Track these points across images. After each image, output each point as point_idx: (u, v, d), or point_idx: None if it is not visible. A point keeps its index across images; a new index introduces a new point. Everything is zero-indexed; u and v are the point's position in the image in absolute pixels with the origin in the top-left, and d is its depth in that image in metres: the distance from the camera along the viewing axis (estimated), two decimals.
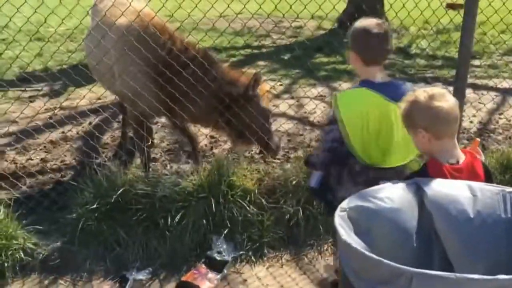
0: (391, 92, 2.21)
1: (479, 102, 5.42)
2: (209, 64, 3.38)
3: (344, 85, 6.27)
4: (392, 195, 1.78)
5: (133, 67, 3.31)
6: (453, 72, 5.39)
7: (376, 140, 2.25)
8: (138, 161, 4.00)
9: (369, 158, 2.28)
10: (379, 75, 2.27)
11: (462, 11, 3.52)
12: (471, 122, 5.21)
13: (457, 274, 1.28)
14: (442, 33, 8.49)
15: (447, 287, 1.30)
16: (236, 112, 3.36)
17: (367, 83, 2.25)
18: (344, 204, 1.71)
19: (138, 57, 3.25)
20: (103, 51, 3.37)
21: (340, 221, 1.62)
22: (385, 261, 1.37)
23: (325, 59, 7.66)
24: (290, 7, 3.77)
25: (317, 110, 5.40)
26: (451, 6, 9.11)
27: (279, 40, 8.75)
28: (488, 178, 2.01)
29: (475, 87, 6.14)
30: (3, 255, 2.91)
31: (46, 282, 2.92)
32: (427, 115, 1.92)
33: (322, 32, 9.56)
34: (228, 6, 3.41)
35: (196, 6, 3.14)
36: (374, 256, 1.40)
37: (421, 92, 1.95)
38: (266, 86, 3.66)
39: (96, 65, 3.51)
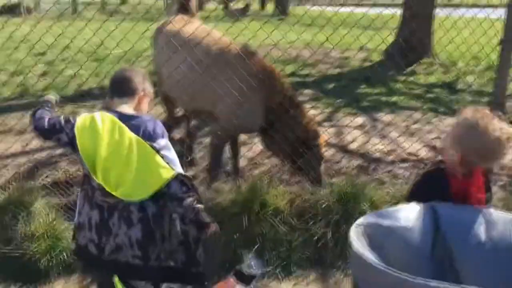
0: (133, 125, 2.17)
1: None
2: (295, 105, 3.89)
3: (386, 117, 6.34)
4: (408, 215, 1.87)
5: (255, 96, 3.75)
6: None
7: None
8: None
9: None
10: (126, 109, 2.26)
11: None
12: None
13: (455, 285, 1.37)
14: (491, 69, 8.42)
15: None
16: (301, 152, 3.81)
17: (115, 112, 2.23)
18: (361, 220, 1.82)
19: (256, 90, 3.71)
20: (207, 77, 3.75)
21: (355, 235, 1.73)
22: (390, 270, 1.48)
23: (369, 90, 7.74)
24: (341, 39, 3.94)
25: (356, 139, 5.50)
26: None
27: (326, 69, 8.93)
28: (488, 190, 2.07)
29: None
30: (48, 255, 3.15)
31: (85, 282, 3.13)
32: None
33: (369, 63, 9.67)
34: (283, 37, 3.67)
35: (254, 35, 3.40)
36: (382, 265, 1.51)
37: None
38: (324, 136, 4.20)
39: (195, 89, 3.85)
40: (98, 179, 2.08)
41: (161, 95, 4.73)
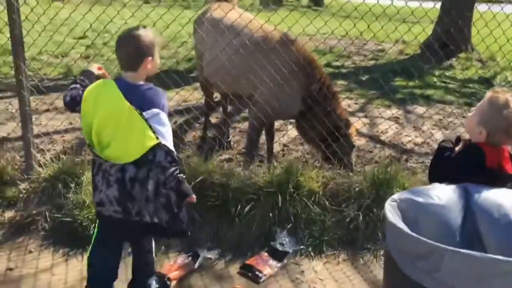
0: (132, 94, 2.26)
1: None
2: (331, 93, 4.07)
3: (420, 109, 6.37)
4: (441, 194, 1.99)
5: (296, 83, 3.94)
6: None
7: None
8: (218, 157, 4.39)
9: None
10: (129, 78, 2.33)
11: None
12: None
13: (483, 254, 1.49)
14: None
15: (473, 264, 1.51)
16: (335, 138, 4.01)
17: (119, 80, 2.34)
18: (396, 195, 1.95)
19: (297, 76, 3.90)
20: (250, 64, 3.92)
21: (390, 208, 1.85)
22: (422, 238, 1.60)
23: (403, 83, 7.77)
24: (382, 27, 4.02)
25: (389, 130, 5.57)
26: None
27: (361, 61, 8.97)
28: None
29: None
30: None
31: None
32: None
33: (405, 56, 9.64)
34: (326, 23, 3.80)
35: (295, 23, 3.52)
36: (413, 234, 1.64)
37: None
38: (356, 126, 4.35)
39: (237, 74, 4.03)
40: (93, 141, 2.26)
41: (201, 81, 4.91)
